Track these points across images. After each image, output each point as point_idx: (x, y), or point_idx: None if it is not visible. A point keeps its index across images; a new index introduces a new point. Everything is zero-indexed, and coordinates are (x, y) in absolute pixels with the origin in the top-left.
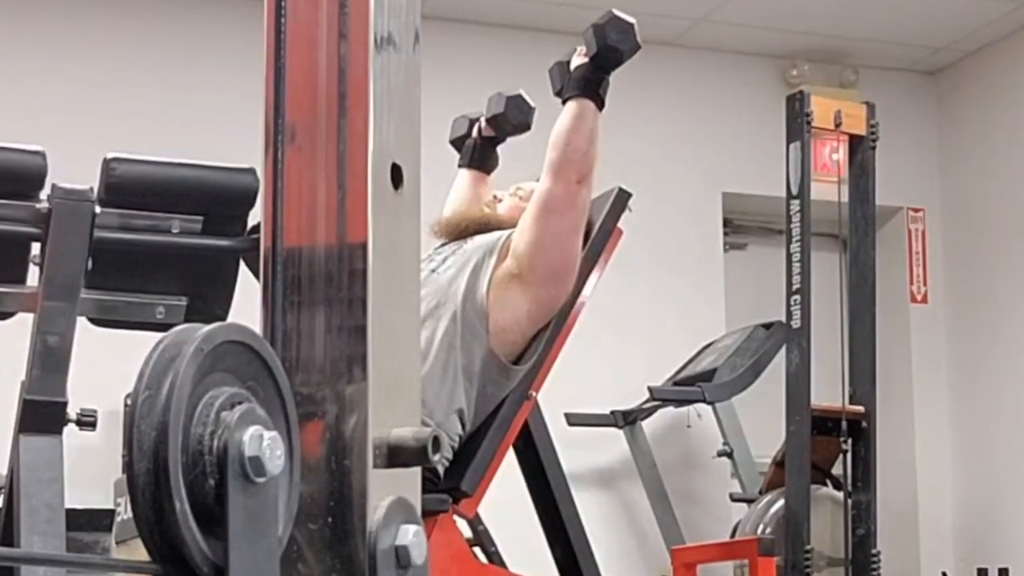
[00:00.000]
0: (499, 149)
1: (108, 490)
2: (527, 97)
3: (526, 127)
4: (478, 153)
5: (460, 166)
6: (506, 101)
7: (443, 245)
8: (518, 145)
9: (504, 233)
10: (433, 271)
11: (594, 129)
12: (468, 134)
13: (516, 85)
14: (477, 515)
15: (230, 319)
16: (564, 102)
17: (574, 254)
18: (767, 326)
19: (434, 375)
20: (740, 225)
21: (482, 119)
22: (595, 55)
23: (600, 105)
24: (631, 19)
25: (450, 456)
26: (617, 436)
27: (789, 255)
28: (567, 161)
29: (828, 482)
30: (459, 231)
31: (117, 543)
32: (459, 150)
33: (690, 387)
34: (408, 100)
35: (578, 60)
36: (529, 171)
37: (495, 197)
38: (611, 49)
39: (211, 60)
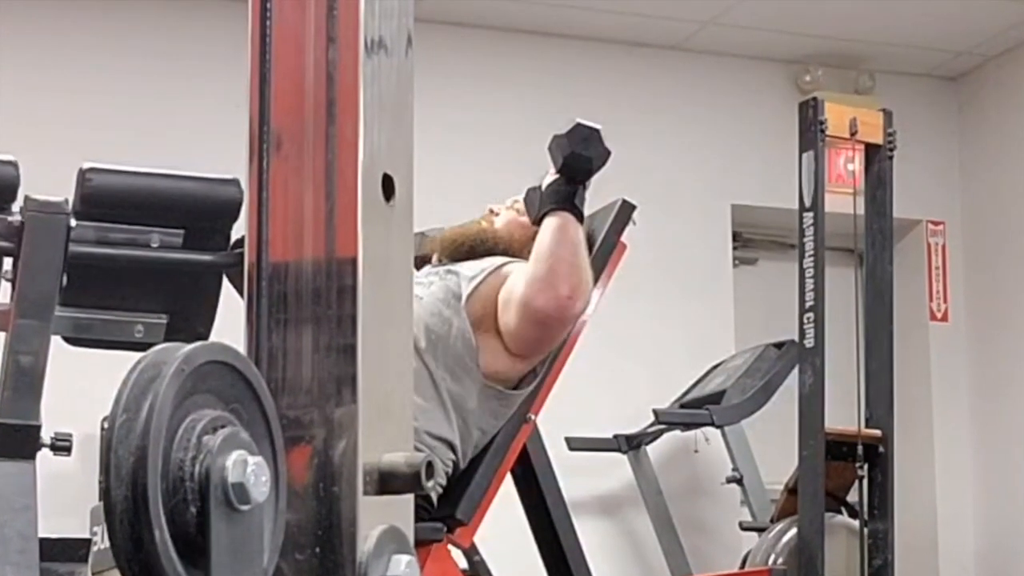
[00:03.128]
0: (498, 157)
1: (84, 518)
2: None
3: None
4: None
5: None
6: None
7: (433, 266)
8: (517, 154)
9: (492, 264)
10: (418, 297)
11: (577, 239)
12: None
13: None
14: (473, 545)
15: (212, 338)
16: (540, 222)
17: (563, 335)
18: (779, 345)
19: (423, 409)
20: (750, 239)
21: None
22: (562, 168)
23: (580, 218)
24: (596, 125)
25: (444, 483)
26: (620, 461)
27: (802, 270)
28: (553, 275)
29: (843, 510)
30: (453, 248)
31: (94, 574)
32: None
33: (697, 410)
34: (400, 107)
35: (549, 178)
36: (527, 182)
37: (492, 211)
38: (578, 158)
39: (192, 64)
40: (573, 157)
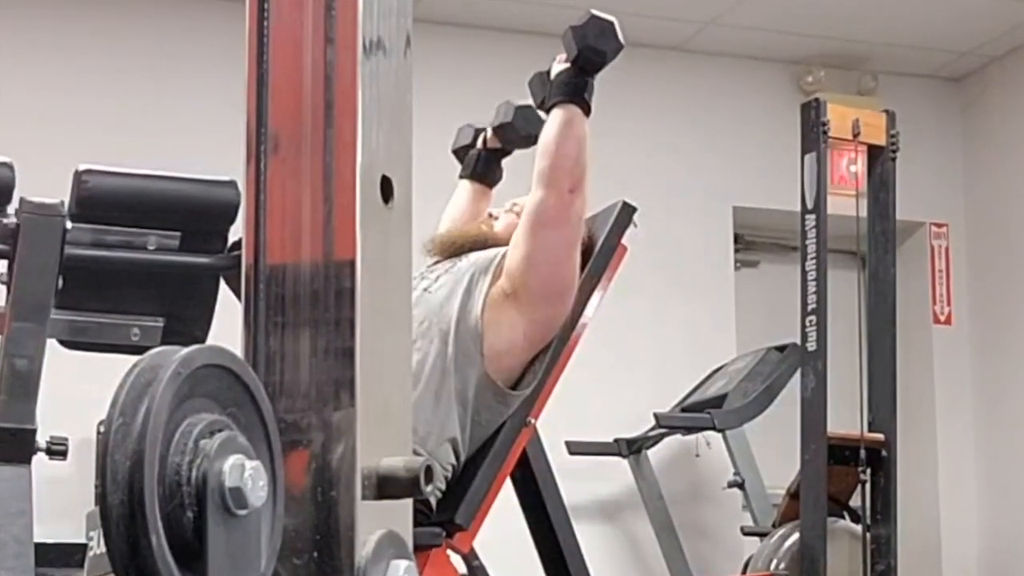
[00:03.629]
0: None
1: (80, 523)
2: (537, 109)
3: (534, 140)
4: (482, 165)
5: (461, 177)
6: (515, 111)
7: (436, 263)
8: (515, 158)
9: (500, 250)
10: (425, 290)
11: (583, 135)
12: (472, 144)
13: (513, 91)
14: (472, 550)
15: (209, 341)
16: (548, 111)
17: (571, 269)
18: (781, 349)
19: (426, 401)
20: (752, 241)
21: (488, 129)
22: (576, 58)
23: (587, 110)
24: (611, 18)
25: (443, 487)
26: (621, 466)
27: (804, 273)
28: (558, 169)
29: (845, 515)
30: (454, 248)
31: None
32: (461, 160)
33: (699, 414)
34: (399, 108)
35: (559, 67)
36: (526, 186)
37: (490, 215)
38: (592, 50)
39: (189, 65)
40: (588, 48)
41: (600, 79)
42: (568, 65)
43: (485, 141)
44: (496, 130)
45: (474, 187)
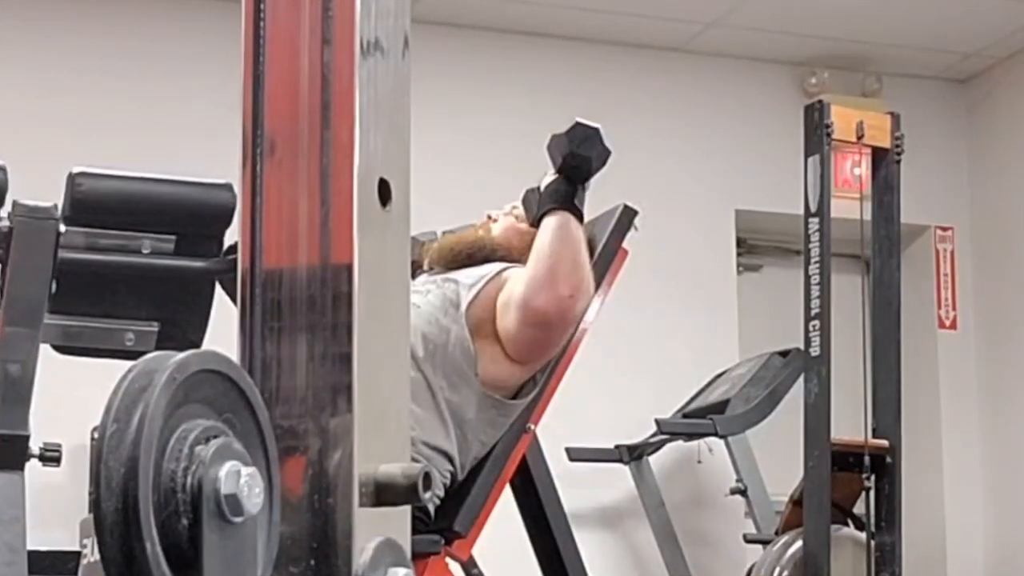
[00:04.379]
0: (497, 161)
1: (73, 531)
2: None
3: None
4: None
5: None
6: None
7: (430, 273)
8: (516, 157)
9: (492, 270)
10: (415, 305)
11: (578, 238)
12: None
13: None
14: (471, 557)
15: (205, 346)
16: (539, 222)
17: (565, 340)
18: (784, 354)
19: (420, 420)
20: (755, 245)
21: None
22: (561, 167)
23: (580, 218)
24: (595, 124)
25: (441, 494)
26: (622, 472)
27: (807, 277)
28: (553, 274)
29: (850, 522)
30: (451, 256)
31: None
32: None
33: (701, 419)
34: (397, 110)
35: (548, 178)
36: (527, 185)
37: (489, 217)
38: (577, 158)
39: (184, 66)
40: (572, 157)
41: (602, 80)
42: (556, 175)
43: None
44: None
45: None
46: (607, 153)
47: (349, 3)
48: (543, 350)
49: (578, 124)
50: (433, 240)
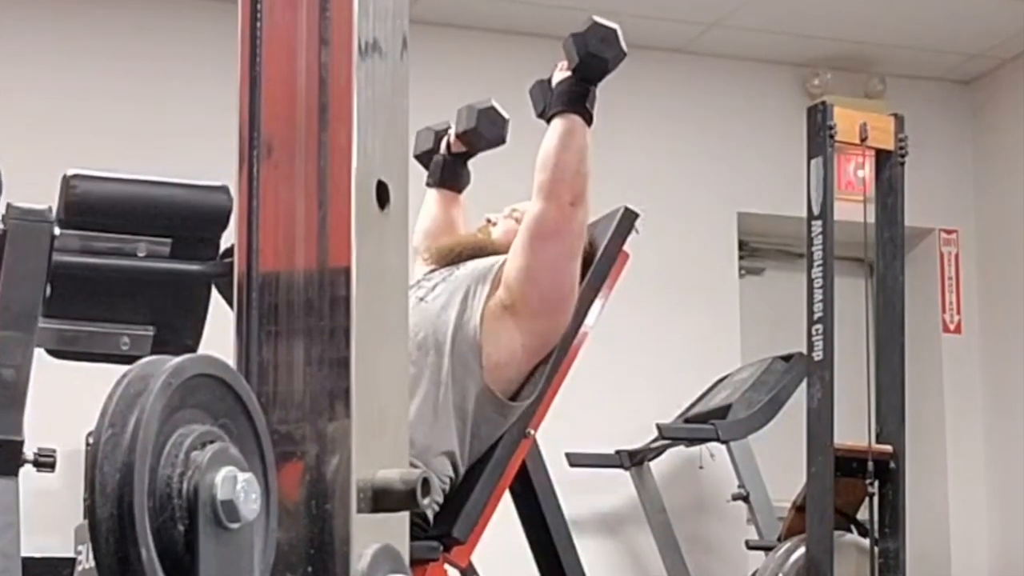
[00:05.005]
0: (496, 163)
1: (68, 537)
2: (500, 108)
3: (500, 141)
4: (448, 171)
5: (429, 185)
6: (478, 114)
7: (432, 271)
8: (516, 159)
9: (499, 259)
10: (421, 299)
11: (584, 145)
12: (435, 149)
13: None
14: (470, 564)
15: (201, 351)
16: (549, 120)
17: (571, 281)
18: (786, 358)
19: (423, 414)
20: (757, 248)
21: (451, 133)
22: (577, 66)
23: (588, 119)
24: (614, 25)
25: (440, 500)
26: (623, 478)
27: (810, 281)
28: (558, 181)
29: (853, 528)
30: (451, 256)
31: None
32: (425, 166)
33: (702, 424)
34: (395, 112)
35: (560, 75)
36: (523, 190)
37: (488, 220)
38: (594, 58)
39: (180, 67)
40: (589, 56)
41: (602, 82)
42: (569, 73)
43: (449, 146)
44: (460, 136)
45: (443, 194)
46: (623, 55)
47: (347, 4)
48: (550, 279)
49: (596, 23)
50: (447, 128)
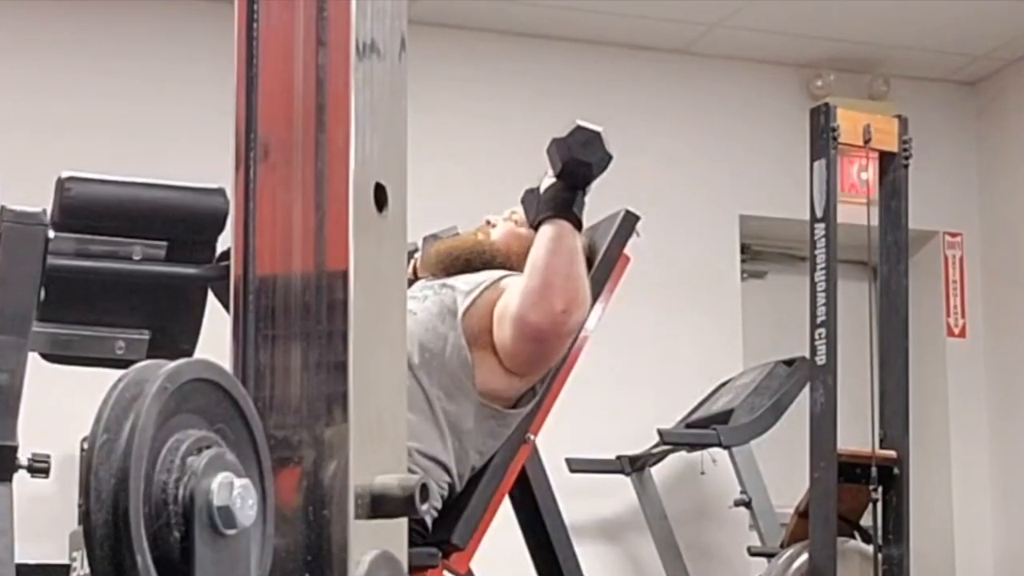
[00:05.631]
0: (496, 165)
1: (63, 543)
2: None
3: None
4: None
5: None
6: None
7: (428, 280)
8: (516, 161)
9: (489, 278)
10: (412, 312)
11: (574, 248)
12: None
13: (513, 95)
14: (469, 571)
15: (197, 355)
16: (537, 228)
17: (562, 352)
18: (789, 362)
19: (416, 428)
20: (759, 251)
21: (416, 259)
22: (561, 172)
23: (577, 225)
24: (597, 128)
25: (439, 506)
26: (623, 483)
27: (813, 284)
28: (547, 288)
29: (856, 534)
30: (449, 261)
31: None
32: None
33: (704, 430)
34: (393, 113)
35: (547, 181)
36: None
37: (488, 222)
38: (578, 163)
39: (176, 68)
40: (573, 162)
41: (603, 83)
42: (555, 180)
43: (415, 271)
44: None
45: None
46: (608, 158)
47: (344, 4)
48: (540, 363)
49: (579, 128)
50: (414, 251)
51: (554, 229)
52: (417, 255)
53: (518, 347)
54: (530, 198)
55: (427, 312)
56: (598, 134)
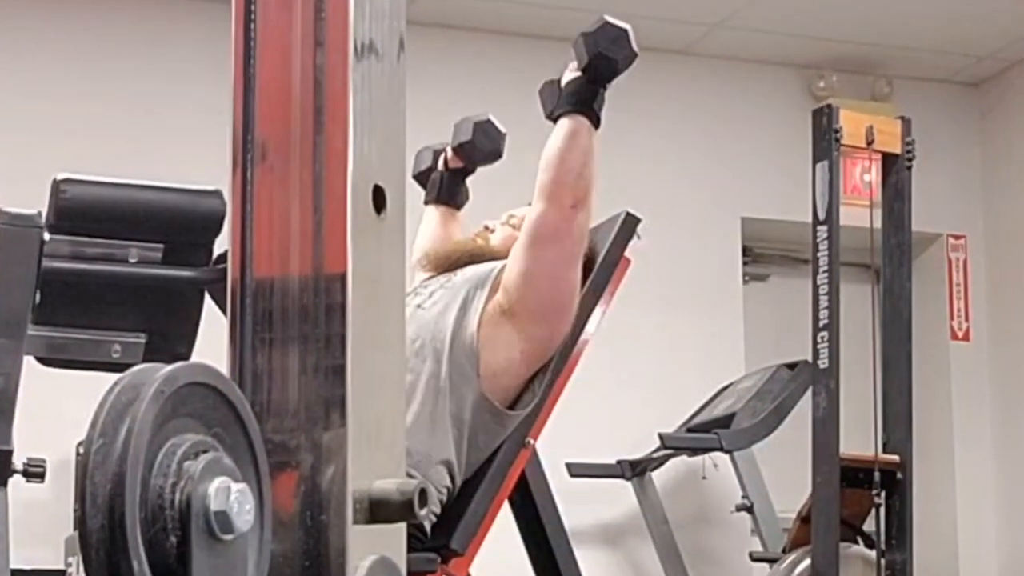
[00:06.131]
0: (495, 167)
1: (58, 548)
2: (496, 122)
3: (497, 155)
4: (446, 187)
5: (427, 202)
6: (473, 127)
7: (430, 278)
8: (515, 163)
9: (496, 264)
10: (419, 307)
11: (589, 147)
12: (433, 167)
13: (513, 96)
14: None
15: (193, 358)
16: (555, 120)
17: (571, 286)
18: (791, 366)
19: (420, 423)
20: (761, 254)
21: (448, 149)
22: (586, 67)
23: (596, 122)
24: (625, 25)
25: (438, 511)
26: (624, 488)
27: (816, 287)
28: (560, 183)
29: (859, 540)
30: (449, 263)
31: None
32: (423, 185)
33: (705, 434)
34: (392, 114)
35: (570, 75)
36: (521, 197)
37: (487, 227)
38: (603, 59)
39: (172, 69)
40: (599, 57)
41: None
42: (579, 74)
43: (447, 162)
44: (456, 150)
45: (441, 211)
46: (634, 56)
47: (342, 4)
48: (549, 284)
49: (607, 23)
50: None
51: (572, 125)
52: (448, 149)
53: (528, 259)
54: (549, 90)
55: (435, 306)
56: (625, 31)
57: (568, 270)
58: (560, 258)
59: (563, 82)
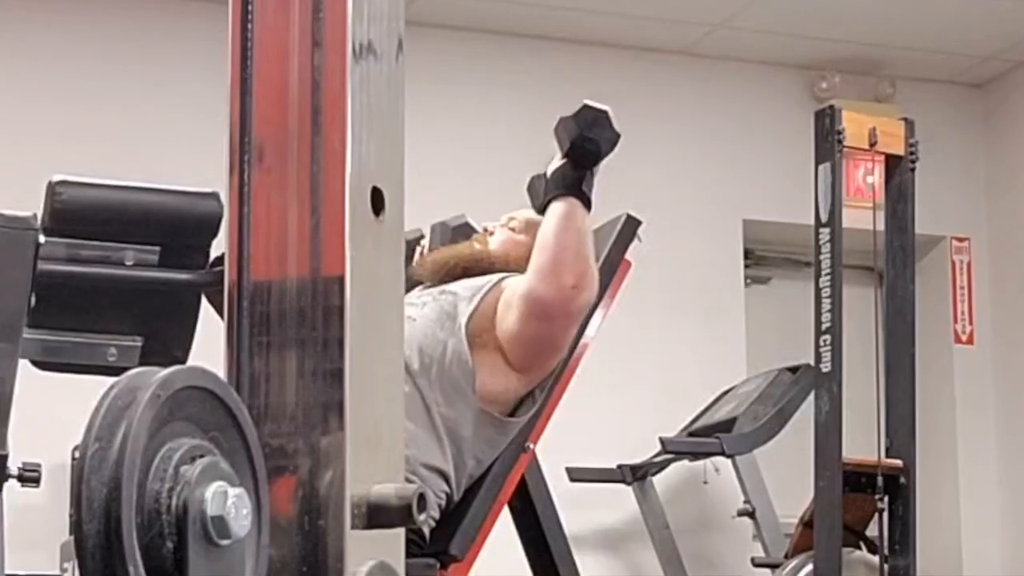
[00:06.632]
0: (495, 169)
1: (54, 554)
2: (473, 223)
3: None
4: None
5: None
6: (451, 232)
7: (425, 288)
8: (515, 164)
9: (490, 279)
10: (411, 319)
11: (583, 228)
12: (408, 258)
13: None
14: None
15: (190, 362)
16: (545, 208)
17: (567, 343)
18: (793, 370)
19: (416, 436)
20: (763, 256)
21: (424, 245)
22: (569, 151)
23: (587, 204)
24: (604, 107)
25: (437, 516)
26: (625, 493)
27: (818, 290)
28: (559, 262)
29: (862, 545)
30: (446, 270)
31: None
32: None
33: (707, 438)
34: (390, 116)
35: (555, 163)
36: (518, 198)
37: (486, 229)
38: (586, 141)
39: (169, 70)
40: (580, 140)
41: (605, 84)
42: (563, 161)
43: (422, 253)
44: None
45: None
46: (616, 136)
47: (341, 5)
48: (545, 350)
49: (586, 107)
50: (420, 237)
51: (564, 207)
52: (424, 242)
53: (525, 329)
54: (536, 183)
55: (426, 318)
56: (605, 112)
57: (566, 338)
58: (560, 331)
59: (549, 171)
